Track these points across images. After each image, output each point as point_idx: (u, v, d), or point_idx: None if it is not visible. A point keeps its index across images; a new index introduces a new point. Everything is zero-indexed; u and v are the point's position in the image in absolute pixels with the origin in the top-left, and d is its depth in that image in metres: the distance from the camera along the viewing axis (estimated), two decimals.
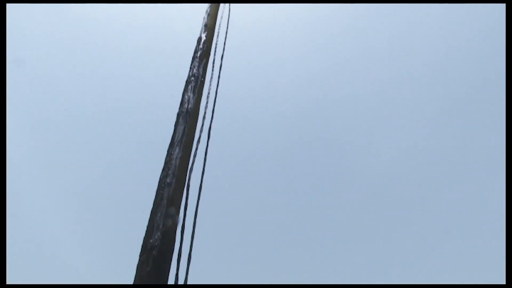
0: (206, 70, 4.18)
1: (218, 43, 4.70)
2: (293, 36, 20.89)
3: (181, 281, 3.63)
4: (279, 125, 21.24)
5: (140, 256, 2.81)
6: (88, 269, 18.56)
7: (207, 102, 4.04)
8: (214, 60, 4.57)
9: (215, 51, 4.67)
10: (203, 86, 3.99)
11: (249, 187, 20.81)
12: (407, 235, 19.77)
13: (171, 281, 2.84)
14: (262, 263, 19.69)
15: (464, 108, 20.27)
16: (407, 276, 19.07)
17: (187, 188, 3.30)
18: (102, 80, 20.13)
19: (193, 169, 3.43)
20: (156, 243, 2.81)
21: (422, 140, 20.56)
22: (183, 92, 3.89)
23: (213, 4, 4.95)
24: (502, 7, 19.43)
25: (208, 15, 4.75)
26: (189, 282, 2.98)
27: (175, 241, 2.91)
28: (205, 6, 4.87)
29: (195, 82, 3.92)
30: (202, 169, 3.60)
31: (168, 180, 3.20)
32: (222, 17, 5.14)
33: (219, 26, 4.93)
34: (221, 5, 5.20)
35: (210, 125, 3.95)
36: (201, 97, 3.90)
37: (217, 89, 4.28)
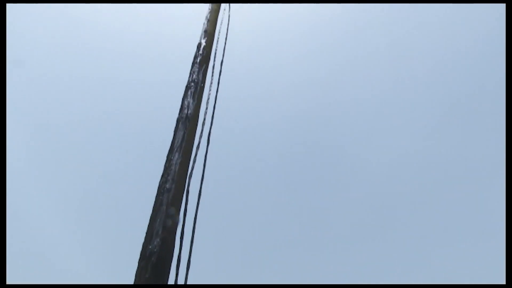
0: (205, 75, 4.19)
1: (218, 48, 4.72)
2: (294, 38, 20.88)
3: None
4: (279, 130, 21.24)
5: (139, 262, 2.81)
6: (87, 270, 18.59)
7: (206, 108, 4.05)
8: (214, 65, 4.58)
9: (215, 57, 4.68)
10: (202, 92, 4.00)
11: (249, 193, 20.81)
12: (407, 235, 19.78)
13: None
14: (262, 269, 19.71)
15: (464, 108, 20.26)
16: (407, 276, 19.08)
17: (186, 194, 3.30)
18: (102, 86, 20.12)
19: (193, 175, 3.44)
20: (155, 250, 2.81)
21: (423, 141, 20.56)
22: (183, 98, 3.90)
23: (213, 9, 4.96)
24: (502, 7, 19.42)
25: (208, 20, 4.76)
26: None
27: (174, 247, 2.92)
28: (205, 12, 4.88)
29: (195, 88, 3.93)
30: (201, 175, 3.61)
31: (167, 185, 3.21)
32: (222, 23, 5.15)
33: (219, 32, 4.94)
34: (221, 10, 5.21)
35: (210, 130, 3.96)
36: (200, 102, 3.91)
37: (216, 95, 4.29)
